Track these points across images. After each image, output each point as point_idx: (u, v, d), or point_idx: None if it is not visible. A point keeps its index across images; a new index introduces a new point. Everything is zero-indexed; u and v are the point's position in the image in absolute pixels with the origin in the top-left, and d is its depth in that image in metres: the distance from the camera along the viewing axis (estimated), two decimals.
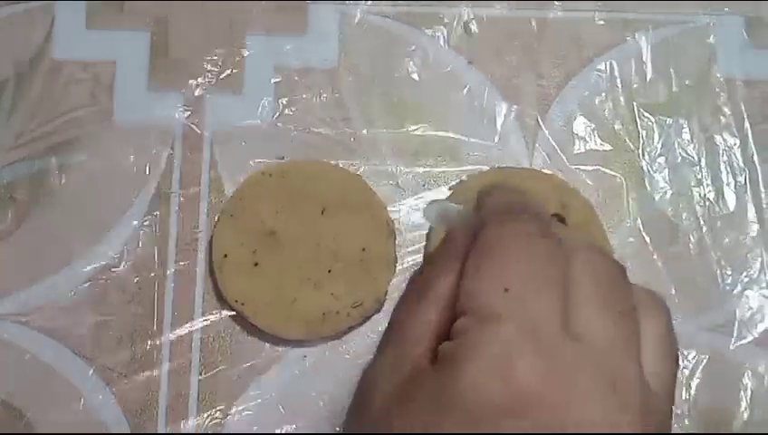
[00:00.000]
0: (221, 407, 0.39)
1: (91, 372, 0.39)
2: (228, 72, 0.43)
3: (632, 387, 0.22)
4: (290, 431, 0.38)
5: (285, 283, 0.39)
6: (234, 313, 0.39)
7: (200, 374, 0.39)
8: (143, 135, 0.42)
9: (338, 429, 0.38)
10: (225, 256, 0.40)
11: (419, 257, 0.40)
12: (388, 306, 0.39)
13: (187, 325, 0.40)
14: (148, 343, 0.39)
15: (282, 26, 0.44)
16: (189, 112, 0.43)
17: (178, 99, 0.43)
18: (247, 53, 0.44)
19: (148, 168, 0.42)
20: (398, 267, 0.40)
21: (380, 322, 0.39)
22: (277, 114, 0.43)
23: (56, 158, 0.42)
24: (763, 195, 0.42)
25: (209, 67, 0.44)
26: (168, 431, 0.38)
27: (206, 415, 0.38)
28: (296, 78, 0.43)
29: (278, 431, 0.38)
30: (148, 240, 0.41)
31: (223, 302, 0.40)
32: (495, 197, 0.28)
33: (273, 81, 0.43)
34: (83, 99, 0.43)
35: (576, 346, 0.22)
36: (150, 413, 0.38)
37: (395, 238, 0.40)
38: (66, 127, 0.42)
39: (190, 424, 0.38)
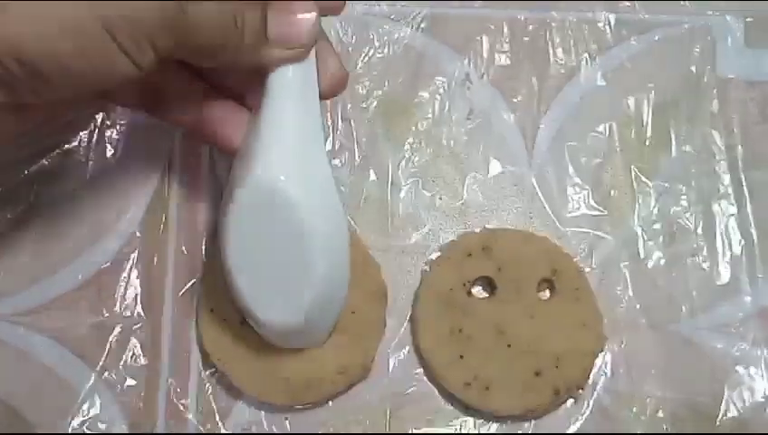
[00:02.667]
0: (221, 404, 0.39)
1: (90, 372, 0.39)
2: None
3: None
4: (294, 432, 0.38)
5: (270, 344, 0.38)
6: None
7: (200, 375, 0.39)
8: (143, 135, 0.42)
9: None
10: (212, 310, 0.38)
11: (405, 322, 0.40)
12: (374, 373, 0.39)
13: (186, 323, 0.40)
14: (148, 344, 0.39)
15: None
16: None
17: None
18: None
19: (147, 168, 0.42)
20: (386, 332, 0.39)
21: (365, 387, 0.39)
22: None
23: (56, 158, 0.42)
24: (758, 267, 0.41)
25: None
26: (167, 432, 0.38)
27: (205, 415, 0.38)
28: None
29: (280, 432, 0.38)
30: (147, 240, 0.41)
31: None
32: None
33: None
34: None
35: None
36: (150, 413, 0.38)
37: (386, 302, 0.39)
38: (65, 127, 0.42)
39: (190, 425, 0.38)
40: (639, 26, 0.45)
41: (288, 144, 0.32)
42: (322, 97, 0.34)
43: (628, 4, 0.45)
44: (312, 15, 0.32)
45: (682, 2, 0.45)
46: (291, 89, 0.33)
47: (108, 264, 0.40)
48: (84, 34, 0.26)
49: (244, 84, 0.35)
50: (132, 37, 0.27)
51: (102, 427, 0.38)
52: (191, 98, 0.35)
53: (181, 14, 0.27)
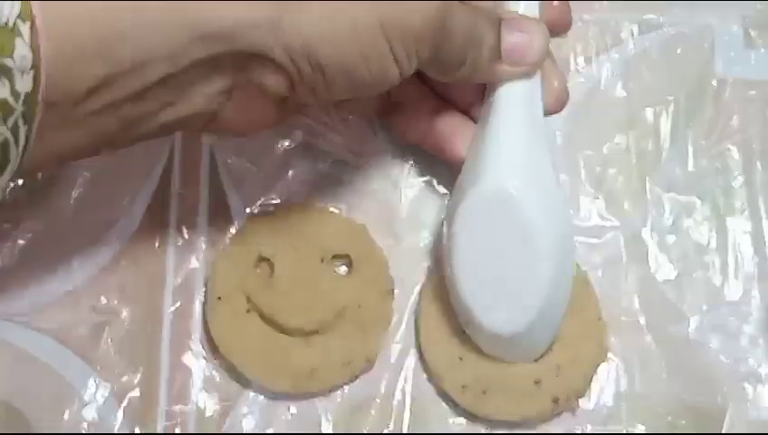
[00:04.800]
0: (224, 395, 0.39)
1: (91, 372, 0.39)
2: None
3: None
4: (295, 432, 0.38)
5: (276, 332, 0.38)
6: None
7: (203, 368, 0.39)
8: None
9: None
10: (219, 298, 0.39)
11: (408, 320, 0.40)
12: (376, 369, 0.39)
13: (187, 322, 0.40)
14: (149, 343, 0.39)
15: None
16: None
17: None
18: None
19: (147, 168, 0.42)
20: (389, 330, 0.39)
21: (369, 380, 0.39)
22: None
23: None
24: None
25: None
26: (168, 431, 0.38)
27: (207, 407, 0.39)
28: None
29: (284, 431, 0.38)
30: (147, 240, 0.41)
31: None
32: None
33: None
34: None
35: None
36: (150, 413, 0.38)
37: (393, 297, 0.39)
38: None
39: (190, 422, 0.38)
40: (663, 37, 0.45)
41: (517, 153, 0.35)
42: (544, 113, 0.36)
43: (652, 15, 0.45)
44: (542, 35, 0.34)
45: (708, 17, 0.45)
46: (518, 102, 0.35)
47: (108, 263, 0.40)
48: (368, 39, 0.28)
49: (469, 97, 0.37)
50: (404, 44, 0.28)
51: (103, 426, 0.38)
52: (423, 111, 0.37)
53: (441, 23, 0.29)
